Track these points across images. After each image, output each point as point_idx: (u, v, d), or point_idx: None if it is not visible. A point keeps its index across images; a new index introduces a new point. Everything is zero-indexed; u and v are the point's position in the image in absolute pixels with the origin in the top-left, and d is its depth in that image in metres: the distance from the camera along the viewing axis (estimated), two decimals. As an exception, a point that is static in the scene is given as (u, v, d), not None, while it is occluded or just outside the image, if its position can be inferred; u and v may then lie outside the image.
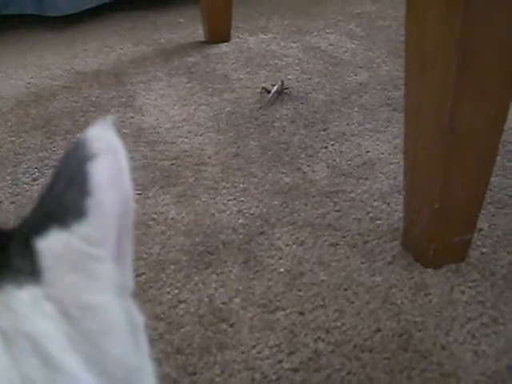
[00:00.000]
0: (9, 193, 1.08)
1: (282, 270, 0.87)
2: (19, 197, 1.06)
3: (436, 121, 0.78)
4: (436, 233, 0.85)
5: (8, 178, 1.12)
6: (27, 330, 0.24)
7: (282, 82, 1.32)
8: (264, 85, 1.33)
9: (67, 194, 0.27)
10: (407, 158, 0.86)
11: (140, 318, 0.32)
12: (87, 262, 0.27)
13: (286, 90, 1.31)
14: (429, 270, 0.86)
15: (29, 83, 1.48)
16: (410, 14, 0.78)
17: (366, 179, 1.05)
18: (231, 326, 0.79)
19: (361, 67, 1.43)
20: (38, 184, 1.10)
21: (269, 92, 1.30)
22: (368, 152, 1.12)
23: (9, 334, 0.24)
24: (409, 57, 0.80)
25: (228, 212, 0.99)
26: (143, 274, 0.88)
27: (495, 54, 0.72)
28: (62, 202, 0.27)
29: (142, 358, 0.30)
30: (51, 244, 0.26)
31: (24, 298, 0.25)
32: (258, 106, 1.28)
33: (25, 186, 1.10)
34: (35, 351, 0.24)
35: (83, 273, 0.27)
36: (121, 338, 0.28)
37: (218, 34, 1.59)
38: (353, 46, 1.54)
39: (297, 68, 1.41)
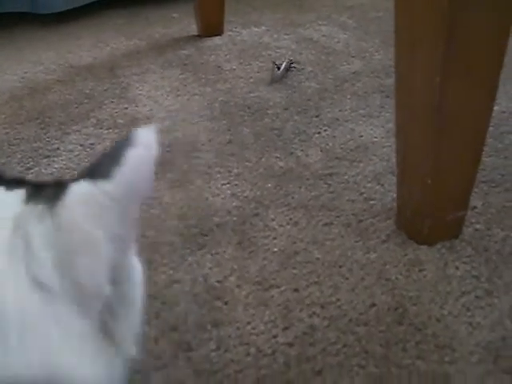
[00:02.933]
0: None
1: (276, 249, 0.87)
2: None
3: (425, 100, 0.78)
4: (429, 210, 0.85)
5: (2, 168, 1.12)
6: (30, 231, 0.35)
7: (290, 60, 1.37)
8: (275, 61, 1.37)
9: (105, 163, 0.37)
10: (398, 137, 0.86)
11: (136, 271, 0.41)
12: (97, 206, 0.36)
13: (292, 67, 1.37)
14: (423, 247, 0.86)
15: (23, 78, 1.49)
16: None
17: (360, 162, 1.05)
18: (226, 303, 0.79)
19: (353, 56, 1.44)
20: (32, 173, 1.10)
21: (279, 68, 1.34)
22: (361, 136, 1.12)
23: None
24: (398, 37, 0.81)
25: (222, 196, 0.99)
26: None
27: (483, 30, 0.73)
28: (100, 167, 0.37)
29: (120, 296, 0.39)
30: (78, 187, 0.36)
31: (39, 212, 0.36)
32: (269, 79, 1.35)
33: (19, 174, 1.09)
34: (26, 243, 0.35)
35: (91, 211, 0.36)
36: (97, 267, 0.36)
37: (212, 27, 1.59)
38: (345, 36, 1.55)
39: (290, 58, 1.41)
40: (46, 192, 0.37)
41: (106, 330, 0.38)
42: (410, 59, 0.79)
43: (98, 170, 0.36)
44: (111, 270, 0.37)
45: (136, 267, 0.42)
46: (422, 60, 0.77)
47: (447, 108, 0.77)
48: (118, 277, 0.38)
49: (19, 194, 0.37)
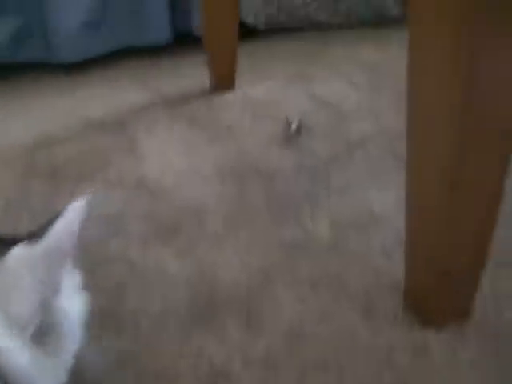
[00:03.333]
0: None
1: (282, 329, 0.86)
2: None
3: (439, 177, 0.77)
4: (438, 293, 0.84)
5: (12, 223, 1.12)
6: None
7: (300, 119, 1.38)
8: (288, 118, 1.39)
9: (42, 229, 0.52)
10: (408, 209, 0.85)
11: (70, 304, 0.57)
12: (28, 262, 0.49)
13: (303, 125, 1.38)
14: (431, 330, 0.85)
15: (35, 130, 1.49)
16: (413, 67, 0.78)
17: (369, 233, 1.04)
18: (231, 386, 0.78)
19: (365, 118, 1.43)
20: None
21: (290, 126, 1.36)
22: (371, 205, 1.11)
23: None
24: (411, 109, 0.80)
25: (230, 267, 0.98)
26: (141, 331, 0.87)
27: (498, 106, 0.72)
28: (36, 231, 0.52)
29: (50, 325, 0.52)
30: (17, 248, 0.50)
31: None
32: (283, 137, 1.37)
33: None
34: None
35: (23, 265, 0.49)
36: (25, 305, 0.49)
37: (223, 82, 1.60)
38: (357, 95, 1.55)
39: (300, 117, 1.41)
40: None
41: (39, 344, 0.51)
42: (422, 134, 0.79)
43: (34, 234, 0.51)
44: (42, 305, 0.50)
45: (72, 303, 0.56)
46: (436, 135, 0.76)
47: (461, 187, 0.76)
48: (50, 310, 0.52)
49: None
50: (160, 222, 1.10)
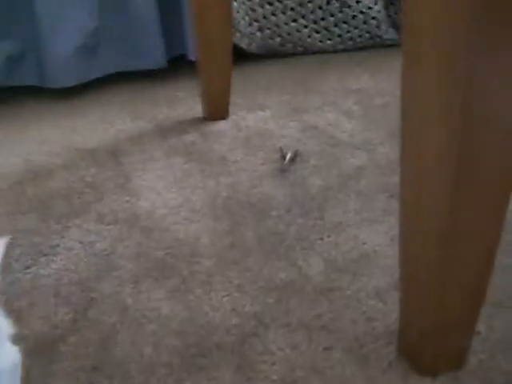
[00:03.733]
0: (0, 282, 1.06)
1: (275, 377, 0.85)
2: (11, 287, 1.05)
3: (433, 226, 0.77)
4: (432, 340, 0.83)
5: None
6: None
7: (296, 150, 1.40)
8: (282, 149, 1.40)
9: None
10: (402, 261, 0.85)
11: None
12: None
13: (297, 157, 1.40)
14: (426, 378, 0.84)
15: (27, 160, 1.49)
16: (406, 125, 0.78)
17: (362, 275, 1.04)
18: None
19: (359, 149, 1.43)
20: (30, 273, 1.08)
21: (284, 158, 1.37)
22: (364, 244, 1.11)
23: None
24: (404, 164, 0.80)
25: (222, 310, 0.97)
26: (132, 377, 0.86)
27: (495, 158, 0.72)
28: None
29: None
30: None
31: None
32: (278, 169, 1.37)
33: (18, 274, 1.08)
34: None
35: None
36: None
37: (216, 111, 1.60)
38: (350, 125, 1.55)
39: (296, 149, 1.41)
40: None
41: None
42: (417, 185, 0.78)
43: None
44: None
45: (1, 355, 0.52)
46: (430, 186, 0.76)
47: (455, 237, 0.75)
48: None
49: None
50: (152, 261, 1.09)
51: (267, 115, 1.62)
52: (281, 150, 1.38)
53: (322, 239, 1.13)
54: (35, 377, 0.86)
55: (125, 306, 0.99)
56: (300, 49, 2.00)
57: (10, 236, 0.44)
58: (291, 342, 0.91)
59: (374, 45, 2.03)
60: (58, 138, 1.58)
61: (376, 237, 1.13)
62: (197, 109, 1.65)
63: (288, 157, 1.36)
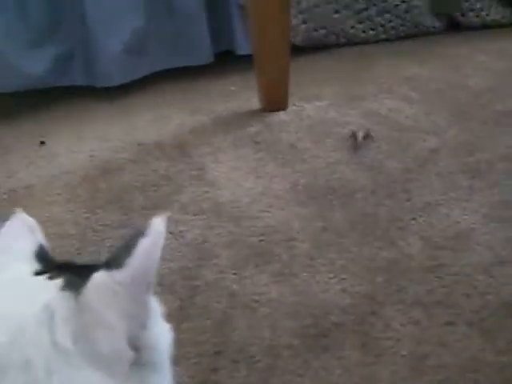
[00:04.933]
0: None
1: (403, 352, 0.85)
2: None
3: None
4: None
5: (91, 257, 1.10)
6: (55, 310, 0.44)
7: (368, 129, 1.40)
8: (353, 129, 1.42)
9: (120, 252, 0.45)
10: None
11: (159, 338, 0.49)
12: (110, 293, 0.44)
13: (371, 135, 1.40)
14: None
15: (92, 156, 1.48)
16: None
17: (464, 252, 1.04)
18: (365, 415, 0.77)
19: (427, 132, 1.43)
20: (125, 264, 1.08)
21: (355, 138, 1.37)
22: (458, 223, 1.11)
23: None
24: None
25: (332, 291, 0.97)
26: (259, 360, 0.86)
27: None
28: (116, 256, 0.45)
29: (144, 362, 0.47)
30: (96, 277, 0.44)
31: (67, 298, 0.45)
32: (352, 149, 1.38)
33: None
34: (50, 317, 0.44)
35: (104, 297, 0.44)
36: (113, 340, 0.44)
37: (275, 102, 1.59)
38: (412, 110, 1.55)
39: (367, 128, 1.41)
40: (75, 282, 0.46)
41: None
42: None
43: (114, 259, 0.45)
44: (130, 340, 0.45)
45: (160, 335, 0.50)
46: None
47: None
48: (139, 345, 0.46)
49: (57, 283, 0.47)
50: (249, 248, 1.09)
51: (325, 104, 1.62)
52: (352, 131, 1.39)
53: (414, 219, 1.13)
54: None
55: (231, 292, 0.99)
56: (343, 40, 2.00)
57: (169, 213, 0.44)
58: (411, 318, 0.91)
59: (416, 34, 2.04)
60: (118, 134, 1.58)
61: (467, 215, 1.13)
62: (252, 101, 1.65)
63: (360, 136, 1.36)
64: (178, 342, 0.90)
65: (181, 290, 1.01)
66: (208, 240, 1.12)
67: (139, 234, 0.45)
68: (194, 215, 1.20)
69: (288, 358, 0.86)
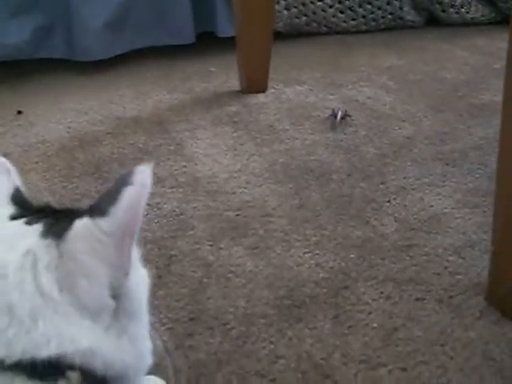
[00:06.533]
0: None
1: (375, 324, 0.87)
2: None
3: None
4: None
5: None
6: (38, 256, 0.44)
7: (346, 110, 1.44)
8: (333, 109, 1.45)
9: (104, 200, 0.44)
10: (497, 215, 0.87)
11: (139, 285, 0.50)
12: (93, 241, 0.44)
13: (347, 115, 1.43)
14: (520, 324, 0.87)
15: (69, 127, 1.48)
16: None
17: (436, 233, 1.06)
18: (336, 383, 0.78)
19: (403, 121, 1.46)
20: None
21: (336, 116, 1.40)
22: (431, 206, 1.13)
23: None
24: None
25: (306, 265, 0.99)
26: (233, 328, 0.87)
27: None
28: (100, 204, 0.44)
29: (124, 309, 0.47)
30: (79, 225, 0.44)
31: (48, 244, 0.45)
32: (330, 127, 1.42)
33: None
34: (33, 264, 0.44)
35: (88, 245, 0.44)
36: (95, 287, 0.45)
37: (255, 83, 1.61)
38: (390, 99, 1.57)
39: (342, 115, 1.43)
40: (56, 227, 0.46)
41: (118, 330, 0.47)
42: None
43: (98, 207, 0.44)
44: (112, 288, 0.46)
45: (139, 282, 0.50)
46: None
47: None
48: (119, 293, 0.47)
49: (37, 228, 0.47)
50: (225, 221, 1.10)
51: (305, 89, 1.64)
52: (332, 110, 1.41)
53: (389, 201, 1.15)
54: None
55: (207, 263, 1.00)
56: (324, 29, 2.02)
57: (153, 162, 0.43)
58: (382, 293, 0.93)
59: (395, 26, 2.06)
60: (96, 108, 1.58)
61: (441, 200, 1.15)
62: (232, 83, 1.66)
63: (339, 115, 1.40)
64: (154, 309, 0.91)
65: (157, 259, 1.02)
66: (184, 213, 1.13)
67: (124, 181, 0.44)
68: (171, 188, 1.20)
69: (262, 327, 0.87)
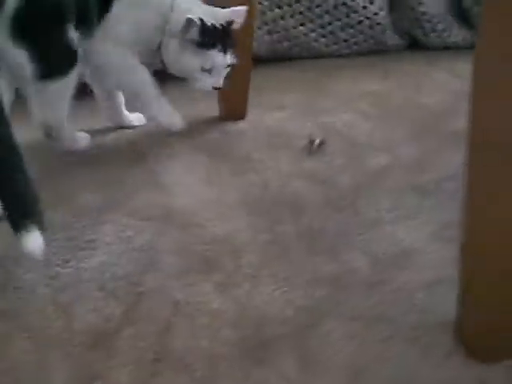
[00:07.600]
0: (42, 275, 1.05)
1: (341, 365, 0.86)
2: (53, 280, 1.04)
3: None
4: (494, 330, 0.85)
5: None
6: None
7: (323, 138, 1.46)
8: (310, 135, 1.47)
9: None
10: (464, 256, 0.87)
11: None
12: None
13: (323, 144, 1.46)
14: (487, 365, 0.86)
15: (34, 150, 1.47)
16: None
17: (406, 269, 1.06)
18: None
19: (380, 149, 1.45)
20: (70, 267, 1.07)
21: (312, 143, 1.43)
22: (402, 241, 1.13)
23: None
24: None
25: (274, 303, 0.98)
26: (197, 370, 0.86)
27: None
28: None
29: None
30: None
31: None
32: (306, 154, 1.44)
33: (57, 268, 1.07)
34: None
35: None
36: None
37: (234, 111, 1.61)
38: (368, 126, 1.57)
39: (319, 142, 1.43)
40: None
41: None
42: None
43: None
44: None
45: None
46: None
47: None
48: None
49: None
50: (195, 256, 1.09)
51: (284, 116, 1.64)
52: (309, 136, 1.44)
53: (360, 234, 1.15)
54: (98, 370, 0.85)
55: (175, 300, 0.99)
56: (306, 53, 2.03)
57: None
58: (349, 332, 0.92)
59: (378, 50, 2.07)
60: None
61: (412, 233, 1.15)
62: (212, 109, 1.66)
63: (316, 142, 1.42)
64: (119, 349, 0.90)
65: (125, 295, 1.01)
66: (155, 246, 1.12)
67: None
68: (144, 220, 1.20)
69: (226, 368, 0.86)
